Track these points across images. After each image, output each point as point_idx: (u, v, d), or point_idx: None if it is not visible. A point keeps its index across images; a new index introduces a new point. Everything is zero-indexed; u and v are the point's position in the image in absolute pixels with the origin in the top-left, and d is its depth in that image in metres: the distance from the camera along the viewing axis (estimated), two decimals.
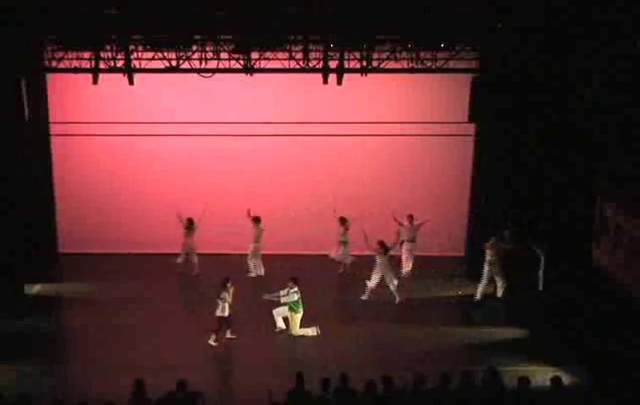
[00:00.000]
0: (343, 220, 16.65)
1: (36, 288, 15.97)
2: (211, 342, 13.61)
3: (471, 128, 16.24)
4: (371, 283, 15.48)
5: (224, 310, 13.57)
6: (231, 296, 13.61)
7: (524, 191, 15.67)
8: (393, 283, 15.47)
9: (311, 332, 13.97)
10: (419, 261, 16.91)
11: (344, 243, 16.76)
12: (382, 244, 15.31)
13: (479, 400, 10.34)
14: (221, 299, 13.53)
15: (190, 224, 16.57)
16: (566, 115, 13.71)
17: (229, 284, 13.64)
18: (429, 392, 10.34)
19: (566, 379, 11.20)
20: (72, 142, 16.32)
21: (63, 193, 17.51)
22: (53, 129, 16.57)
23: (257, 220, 16.65)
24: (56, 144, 17.11)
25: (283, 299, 13.88)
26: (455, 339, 14.07)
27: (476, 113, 14.10)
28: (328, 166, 17.62)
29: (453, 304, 15.66)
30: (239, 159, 17.45)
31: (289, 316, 14.00)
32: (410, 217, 16.92)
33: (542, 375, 11.42)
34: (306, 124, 14.81)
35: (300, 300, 13.96)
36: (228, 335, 13.75)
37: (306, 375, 10.47)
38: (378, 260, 15.39)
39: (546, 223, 14.96)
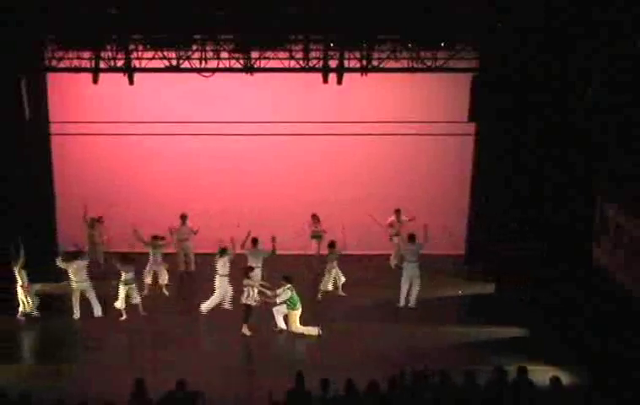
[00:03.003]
0: (314, 218, 16.94)
1: (36, 288, 15.93)
2: (244, 331, 13.74)
3: (471, 128, 16.20)
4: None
5: (249, 297, 13.71)
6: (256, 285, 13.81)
7: (524, 191, 15.65)
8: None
9: (312, 331, 13.96)
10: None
11: (318, 238, 17.00)
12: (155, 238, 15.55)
13: (479, 400, 10.36)
14: (245, 286, 13.67)
15: (92, 223, 16.90)
16: (566, 115, 13.71)
17: (252, 273, 13.83)
18: (430, 391, 10.36)
19: (566, 379, 11.19)
20: (72, 141, 16.29)
21: (63, 193, 17.50)
22: (53, 129, 16.55)
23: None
24: (57, 144, 17.10)
25: (278, 299, 13.91)
26: (455, 339, 14.05)
27: (476, 113, 14.11)
28: (328, 166, 17.61)
29: (453, 304, 15.64)
30: (239, 158, 17.44)
31: (287, 314, 14.00)
32: (397, 212, 17.02)
33: (542, 375, 11.39)
34: (306, 124, 14.80)
35: (295, 297, 13.92)
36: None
37: (306, 375, 10.47)
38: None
39: (546, 223, 14.97)
